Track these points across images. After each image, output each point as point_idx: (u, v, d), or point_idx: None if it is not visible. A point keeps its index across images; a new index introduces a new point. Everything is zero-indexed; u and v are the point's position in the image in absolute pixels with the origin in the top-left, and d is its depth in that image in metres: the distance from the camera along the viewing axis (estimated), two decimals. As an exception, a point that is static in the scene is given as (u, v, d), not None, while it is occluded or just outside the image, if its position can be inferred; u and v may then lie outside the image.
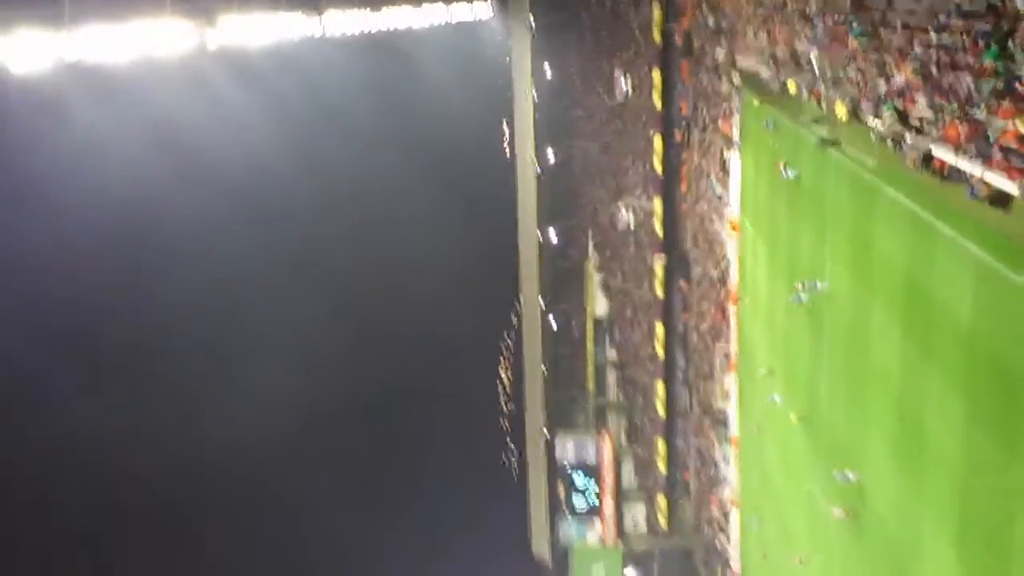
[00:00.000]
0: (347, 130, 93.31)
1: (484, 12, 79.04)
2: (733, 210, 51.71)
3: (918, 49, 21.74)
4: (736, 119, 49.96)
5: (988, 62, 17.81)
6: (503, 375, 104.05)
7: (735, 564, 56.74)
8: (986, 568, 20.83)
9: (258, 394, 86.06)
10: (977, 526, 21.22)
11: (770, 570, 47.93)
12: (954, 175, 20.32)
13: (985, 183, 18.66)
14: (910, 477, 25.42)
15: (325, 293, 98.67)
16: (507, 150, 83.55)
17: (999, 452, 19.84)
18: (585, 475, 71.66)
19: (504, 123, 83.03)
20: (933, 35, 20.62)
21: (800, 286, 35.53)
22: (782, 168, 39.64)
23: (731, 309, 53.42)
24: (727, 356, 54.79)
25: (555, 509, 72.77)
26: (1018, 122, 16.68)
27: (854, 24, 26.52)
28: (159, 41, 21.87)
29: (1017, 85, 16.66)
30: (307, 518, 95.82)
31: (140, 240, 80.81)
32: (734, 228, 51.74)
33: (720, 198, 54.83)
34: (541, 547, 75.60)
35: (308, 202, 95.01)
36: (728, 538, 57.95)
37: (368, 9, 38.48)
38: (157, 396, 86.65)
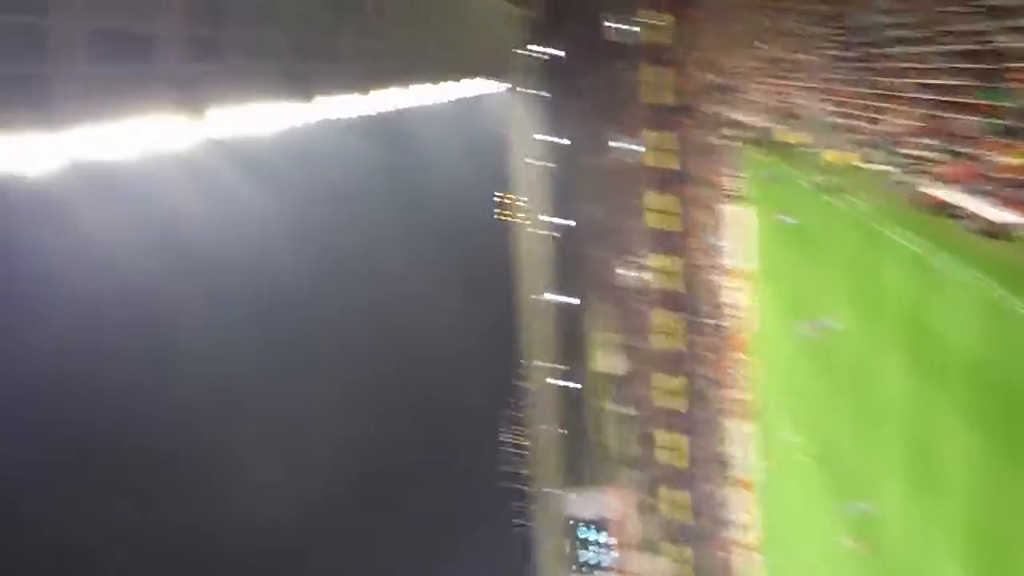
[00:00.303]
0: (351, 212, 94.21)
1: (484, 87, 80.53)
2: (737, 260, 52.20)
3: (913, 92, 22.36)
4: (736, 172, 50.76)
5: (981, 100, 18.34)
6: (516, 439, 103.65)
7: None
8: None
9: (269, 474, 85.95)
10: (988, 550, 21.55)
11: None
12: (953, 211, 20.74)
13: (984, 217, 19.08)
14: (923, 505, 25.60)
15: (341, 379, 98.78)
16: (511, 219, 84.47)
17: (1009, 477, 19.98)
18: (598, 530, 71.01)
19: (507, 192, 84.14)
20: (928, 78, 21.22)
21: (810, 325, 35.85)
22: (782, 217, 40.35)
23: (739, 357, 53.58)
24: (737, 402, 54.83)
25: (568, 567, 71.93)
26: (1013, 157, 17.13)
27: (849, 72, 27.22)
28: (154, 137, 22.00)
29: (1008, 121, 17.12)
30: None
31: (148, 334, 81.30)
32: (739, 278, 52.18)
33: (725, 250, 55.36)
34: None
35: (314, 285, 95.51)
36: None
37: (358, 94, 38.52)
38: (170, 488, 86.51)
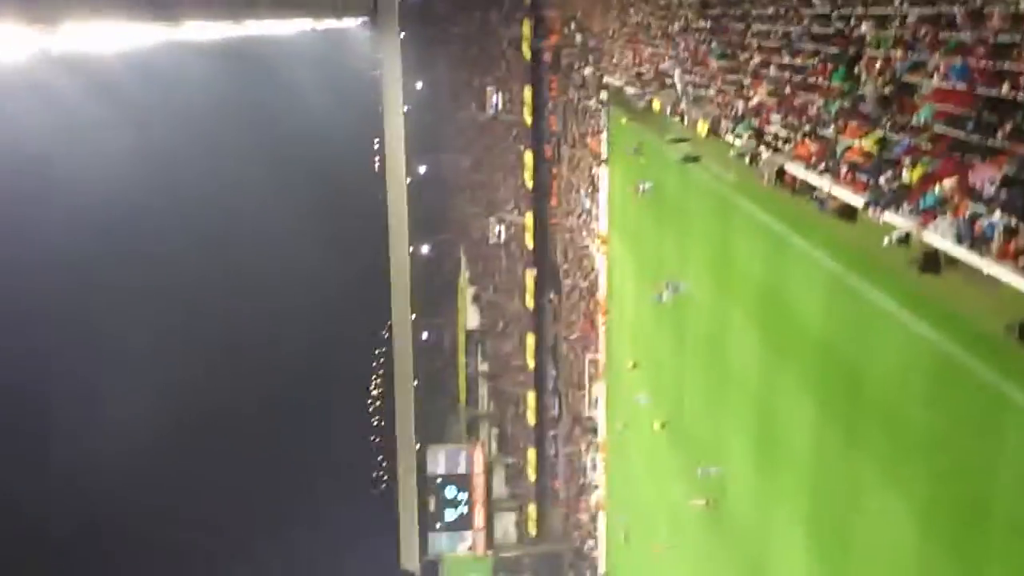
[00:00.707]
0: (208, 141, 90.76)
1: (354, 24, 78.50)
2: (602, 224, 53.16)
3: (773, 71, 23.07)
4: (604, 136, 51.46)
5: (836, 83, 19.08)
6: (374, 390, 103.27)
7: (601, 566, 58.13)
8: (832, 552, 22.37)
9: (122, 414, 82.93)
10: (825, 515, 22.74)
11: (633, 563, 49.44)
12: (805, 190, 21.61)
13: (833, 197, 19.96)
14: (767, 471, 26.84)
15: (187, 312, 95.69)
16: (377, 164, 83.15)
17: (844, 447, 21.25)
18: (457, 487, 71.86)
19: (375, 137, 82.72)
20: (787, 57, 21.89)
21: (664, 287, 36.96)
22: (640, 187, 41.35)
23: (600, 320, 54.81)
24: (596, 365, 56.16)
25: (426, 523, 72.57)
26: (863, 140, 17.94)
27: (714, 45, 27.86)
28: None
29: (862, 106, 17.89)
30: (176, 535, 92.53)
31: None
32: (603, 242, 53.18)
33: (589, 212, 56.26)
34: (411, 562, 75.12)
35: (167, 218, 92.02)
36: (596, 541, 59.29)
37: (231, 22, 36.87)
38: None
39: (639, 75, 39.68)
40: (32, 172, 76.35)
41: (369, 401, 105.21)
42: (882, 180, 17.00)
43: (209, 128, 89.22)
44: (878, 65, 17.04)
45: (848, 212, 19.63)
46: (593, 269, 55.67)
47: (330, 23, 59.19)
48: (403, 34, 74.12)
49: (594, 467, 57.94)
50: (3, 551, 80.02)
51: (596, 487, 57.63)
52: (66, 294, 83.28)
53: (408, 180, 75.17)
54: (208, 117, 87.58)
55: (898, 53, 16.39)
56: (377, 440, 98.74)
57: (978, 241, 14.12)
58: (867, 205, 17.42)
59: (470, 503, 71.86)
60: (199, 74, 63.03)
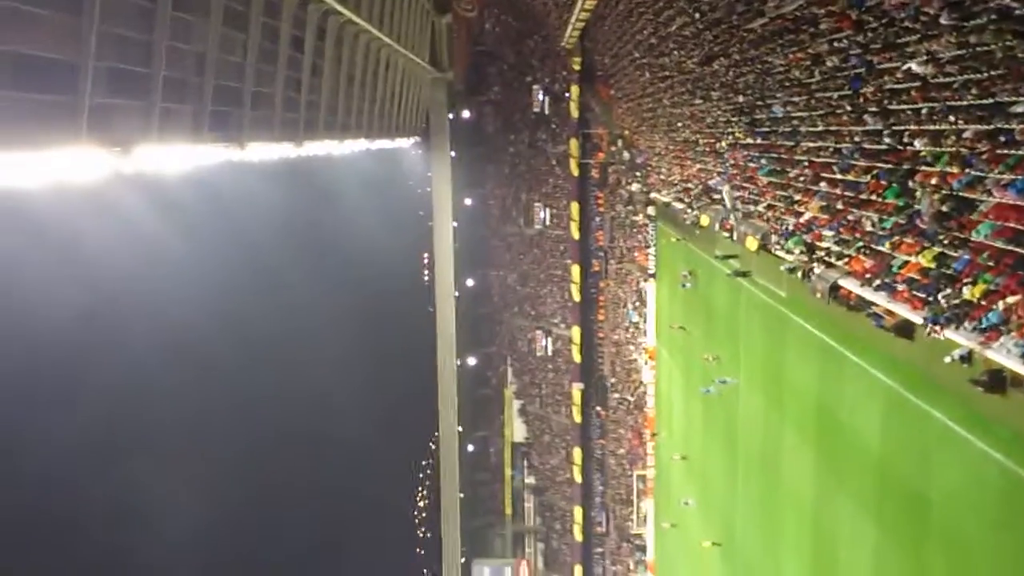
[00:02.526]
0: (264, 255, 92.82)
1: (406, 144, 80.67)
2: (649, 339, 52.87)
3: (824, 186, 23.03)
4: (651, 251, 51.68)
5: (890, 199, 18.95)
6: (420, 501, 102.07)
7: None
8: None
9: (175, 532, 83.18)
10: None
11: None
12: (860, 306, 21.27)
13: (890, 314, 19.61)
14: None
15: (240, 422, 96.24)
16: (426, 279, 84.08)
17: (908, 572, 20.29)
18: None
19: (424, 252, 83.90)
20: (838, 173, 21.86)
21: (713, 381, 36.49)
22: (683, 277, 41.40)
23: (648, 435, 53.96)
24: (644, 481, 55.03)
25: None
26: (921, 256, 17.71)
27: (763, 161, 27.99)
28: (68, 168, 21.28)
29: (918, 221, 17.70)
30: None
31: (47, 369, 78.46)
32: (651, 356, 52.79)
33: (637, 326, 56.07)
34: None
35: (224, 331, 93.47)
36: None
37: (291, 144, 38.42)
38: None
39: (687, 191, 40.00)
40: (103, 286, 78.17)
41: (415, 512, 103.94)
42: (941, 297, 16.69)
43: (266, 242, 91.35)
44: (934, 180, 16.90)
45: (906, 329, 19.26)
46: (641, 383, 55.12)
47: (384, 143, 61.16)
48: (453, 153, 75.93)
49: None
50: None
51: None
52: (130, 404, 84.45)
53: (456, 293, 75.77)
54: (265, 231, 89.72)
55: (954, 169, 16.27)
56: (422, 552, 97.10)
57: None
58: (926, 322, 17.07)
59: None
60: (258, 192, 64.99)
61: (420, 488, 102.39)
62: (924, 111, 16.84)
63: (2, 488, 75.62)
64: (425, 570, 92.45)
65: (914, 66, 16.27)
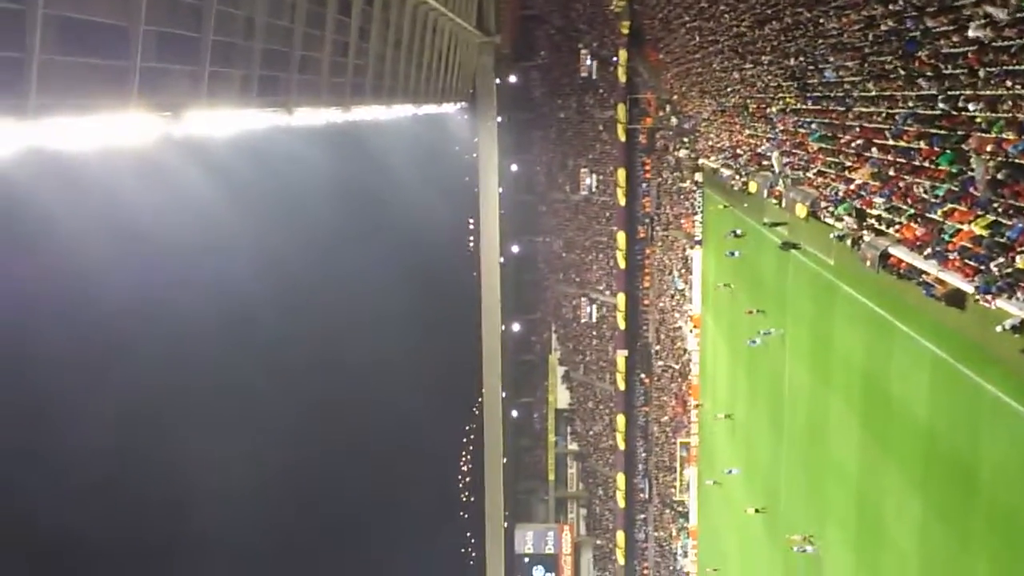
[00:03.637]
0: (312, 221, 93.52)
1: (453, 109, 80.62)
2: (695, 306, 52.56)
3: (876, 152, 22.58)
4: (698, 218, 51.23)
5: (943, 166, 18.56)
6: (464, 467, 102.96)
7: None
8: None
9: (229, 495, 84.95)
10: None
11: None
12: (911, 274, 20.91)
13: (941, 282, 19.27)
14: (867, 570, 25.51)
15: (287, 387, 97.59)
16: (472, 244, 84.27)
17: (954, 546, 20.08)
18: (544, 567, 70.72)
19: (470, 218, 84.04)
20: (890, 139, 21.41)
21: (758, 333, 36.36)
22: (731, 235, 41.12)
23: (692, 402, 53.83)
24: (688, 448, 54.98)
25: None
26: (973, 224, 17.36)
27: (813, 127, 27.54)
28: (118, 132, 21.62)
29: (971, 188, 17.33)
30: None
31: (102, 329, 79.84)
32: (696, 324, 52.50)
33: (682, 293, 55.75)
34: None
35: (274, 296, 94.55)
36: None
37: (338, 108, 38.70)
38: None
39: (735, 157, 39.51)
40: (151, 251, 79.27)
41: (459, 477, 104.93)
42: (993, 266, 16.37)
43: (313, 207, 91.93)
44: (989, 147, 16.50)
45: (957, 298, 18.93)
46: (685, 351, 54.89)
47: (431, 108, 61.25)
48: (500, 119, 75.68)
49: (684, 554, 56.25)
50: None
51: (687, 574, 55.87)
52: (179, 371, 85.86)
53: (501, 260, 75.86)
54: (312, 197, 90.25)
55: (1010, 135, 15.87)
56: (466, 516, 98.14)
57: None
58: (978, 291, 16.77)
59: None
60: (306, 157, 65.34)
61: (464, 453, 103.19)
62: (981, 75, 16.40)
63: (57, 457, 77.51)
64: (469, 533, 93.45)
65: (971, 30, 15.85)
